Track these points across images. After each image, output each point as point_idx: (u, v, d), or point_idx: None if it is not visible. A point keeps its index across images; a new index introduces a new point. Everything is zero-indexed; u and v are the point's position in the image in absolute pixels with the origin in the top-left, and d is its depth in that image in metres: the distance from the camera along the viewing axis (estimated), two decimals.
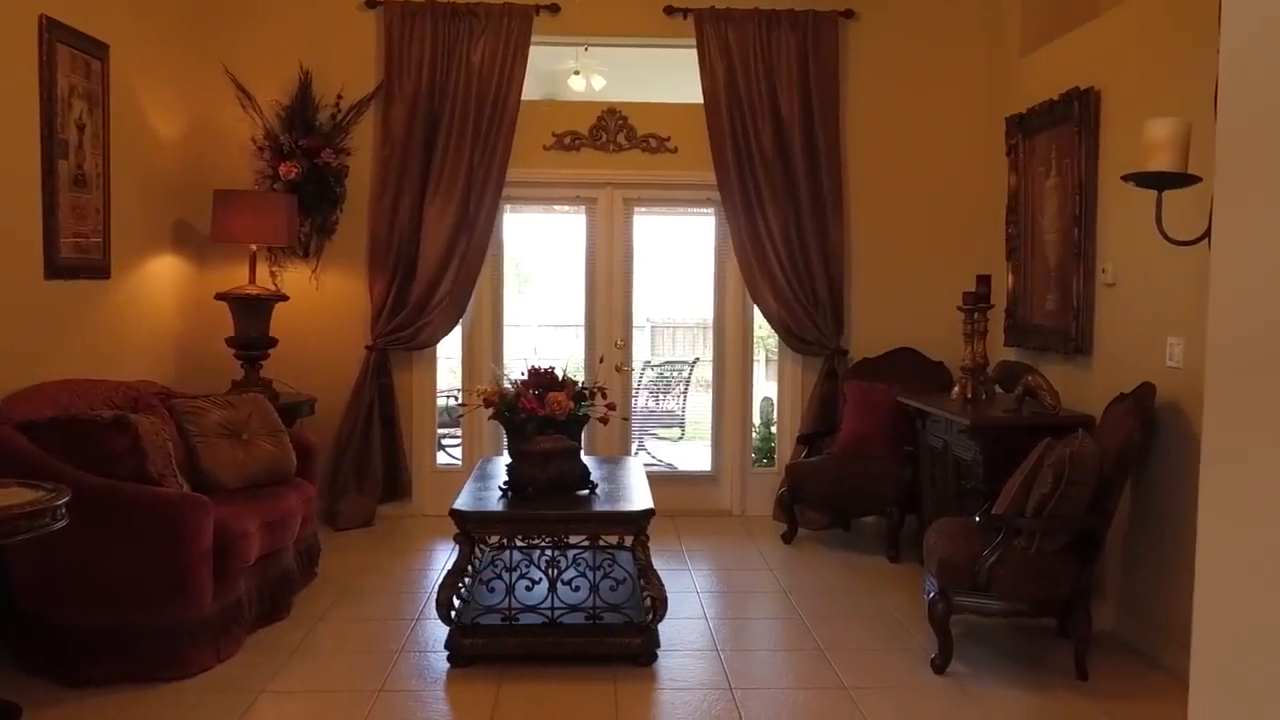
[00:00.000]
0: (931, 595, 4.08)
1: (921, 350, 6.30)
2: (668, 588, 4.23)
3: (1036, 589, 3.94)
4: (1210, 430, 1.96)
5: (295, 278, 6.27)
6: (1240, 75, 1.88)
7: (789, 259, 6.29)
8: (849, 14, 6.34)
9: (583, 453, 4.56)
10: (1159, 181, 2.58)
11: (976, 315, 5.30)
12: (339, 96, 6.22)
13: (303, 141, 6.07)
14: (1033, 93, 5.48)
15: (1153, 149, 2.53)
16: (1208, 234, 2.38)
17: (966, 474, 4.84)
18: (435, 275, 6.24)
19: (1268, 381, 1.80)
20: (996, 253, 5.95)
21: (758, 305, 6.45)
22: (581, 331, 6.80)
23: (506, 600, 4.10)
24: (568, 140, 6.48)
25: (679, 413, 9.17)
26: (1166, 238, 2.73)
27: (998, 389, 5.21)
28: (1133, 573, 4.42)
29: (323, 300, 6.33)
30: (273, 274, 6.22)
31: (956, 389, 5.36)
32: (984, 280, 5.39)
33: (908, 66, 6.43)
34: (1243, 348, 1.86)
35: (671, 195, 6.70)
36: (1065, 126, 5.06)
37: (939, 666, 4.01)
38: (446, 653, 4.06)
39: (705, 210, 6.69)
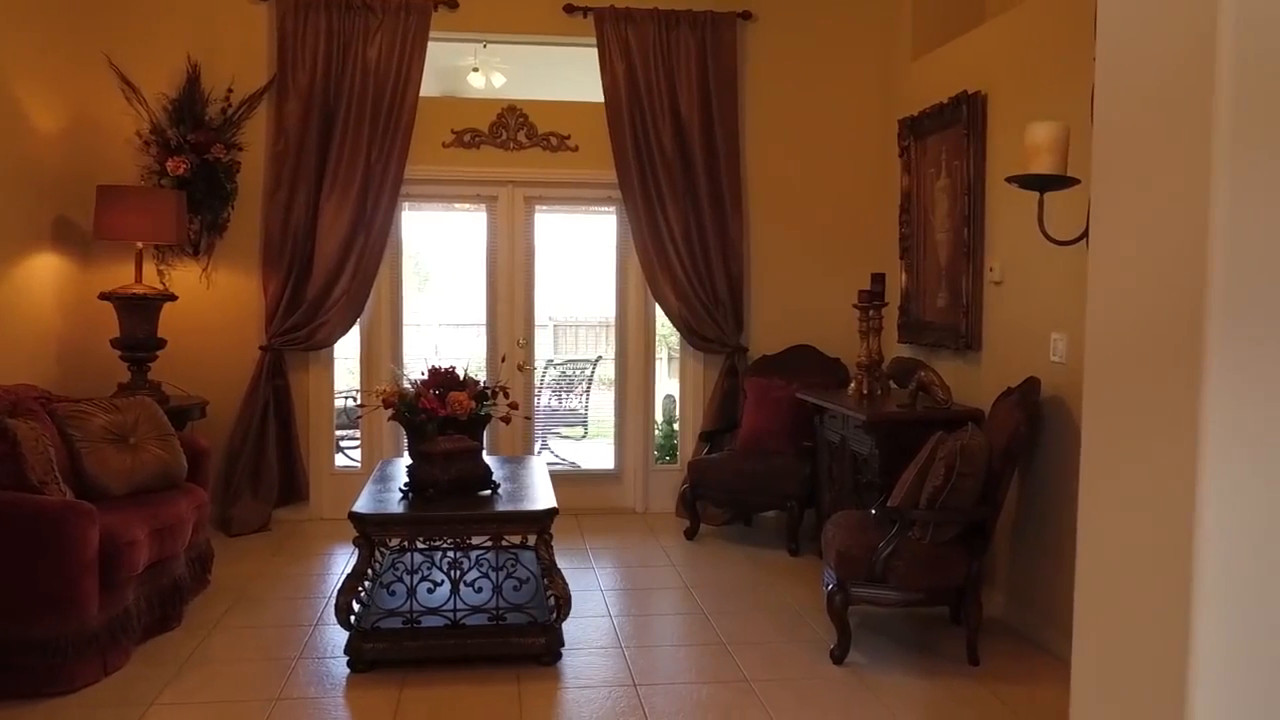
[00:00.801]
0: (830, 587, 4.17)
1: (819, 347, 6.42)
2: (572, 586, 4.24)
3: (930, 578, 4.06)
4: (1089, 421, 2.04)
5: (185, 276, 6.08)
6: (1113, 83, 1.97)
7: (690, 257, 6.35)
8: (747, 15, 6.42)
9: (485, 453, 4.53)
10: (1040, 183, 2.68)
11: (871, 313, 5.43)
12: (229, 90, 6.05)
13: (191, 136, 5.89)
14: (924, 96, 5.63)
15: (1034, 152, 2.63)
16: (1085, 234, 2.48)
17: (863, 468, 4.95)
18: (332, 274, 6.12)
19: (1139, 373, 1.89)
20: (890, 251, 6.10)
21: (659, 303, 6.50)
22: (483, 330, 6.75)
23: (408, 603, 4.05)
24: (467, 138, 6.42)
25: (582, 411, 9.18)
26: (1048, 237, 2.84)
27: (892, 384, 5.35)
28: (1020, 560, 4.58)
29: (214, 299, 6.16)
30: (160, 273, 6.02)
31: (853, 385, 5.48)
32: (878, 278, 5.52)
33: (804, 68, 6.54)
34: (1117, 342, 1.95)
35: (573, 194, 6.70)
36: (954, 129, 5.22)
37: (837, 657, 4.10)
38: (346, 658, 3.99)
39: (607, 209, 6.71)
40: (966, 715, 3.67)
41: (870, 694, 3.82)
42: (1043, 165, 2.63)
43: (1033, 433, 4.31)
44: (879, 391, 5.33)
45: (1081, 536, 2.07)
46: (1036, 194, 2.82)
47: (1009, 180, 2.86)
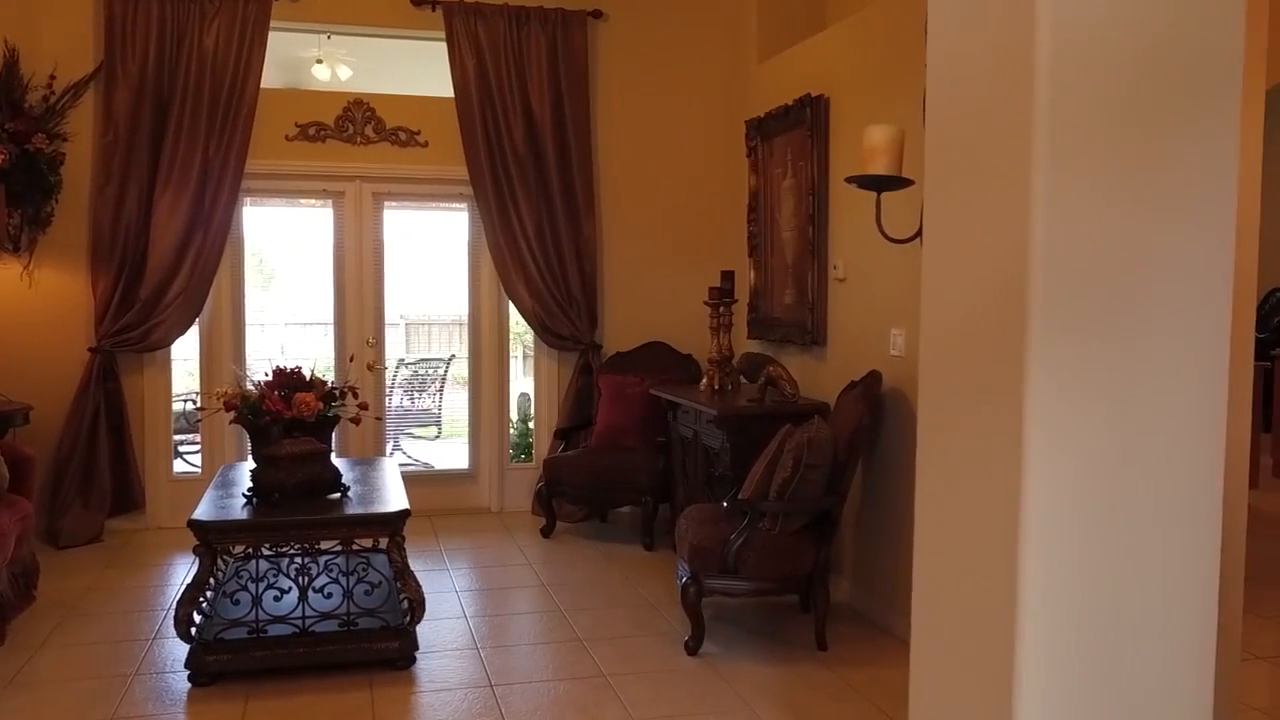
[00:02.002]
0: (684, 580, 4.23)
1: (672, 344, 6.51)
2: (426, 588, 4.18)
3: (780, 568, 4.17)
4: (923, 412, 2.14)
5: (4, 275, 5.71)
6: (942, 90, 2.07)
7: (543, 255, 6.33)
8: (597, 14, 6.44)
9: (334, 455, 4.42)
10: (877, 184, 2.79)
11: (722, 309, 5.53)
12: (52, 77, 5.71)
13: (10, 125, 5.53)
14: (770, 97, 5.77)
15: (872, 154, 2.73)
16: (920, 233, 2.59)
17: (715, 462, 5.04)
18: (168, 272, 5.85)
19: (968, 365, 1.99)
20: (739, 249, 6.23)
21: (513, 301, 6.46)
22: (331, 330, 6.57)
23: (253, 612, 3.91)
24: (312, 131, 6.24)
25: (435, 411, 9.04)
26: (885, 236, 2.96)
27: (742, 379, 5.46)
28: (865, 548, 4.75)
29: (37, 299, 5.80)
30: None
31: (705, 380, 5.57)
32: (728, 276, 5.63)
33: (654, 68, 6.61)
34: (948, 336, 2.05)
35: (423, 190, 6.58)
36: (799, 131, 5.37)
37: (692, 648, 4.17)
38: (187, 672, 3.83)
39: (458, 205, 6.63)
40: (815, 699, 3.78)
41: (724, 683, 3.90)
42: (880, 166, 2.74)
43: (875, 424, 4.48)
44: (730, 387, 5.44)
45: (918, 522, 2.16)
46: (875, 194, 2.93)
47: (848, 180, 2.96)
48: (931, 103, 2.07)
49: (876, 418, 4.49)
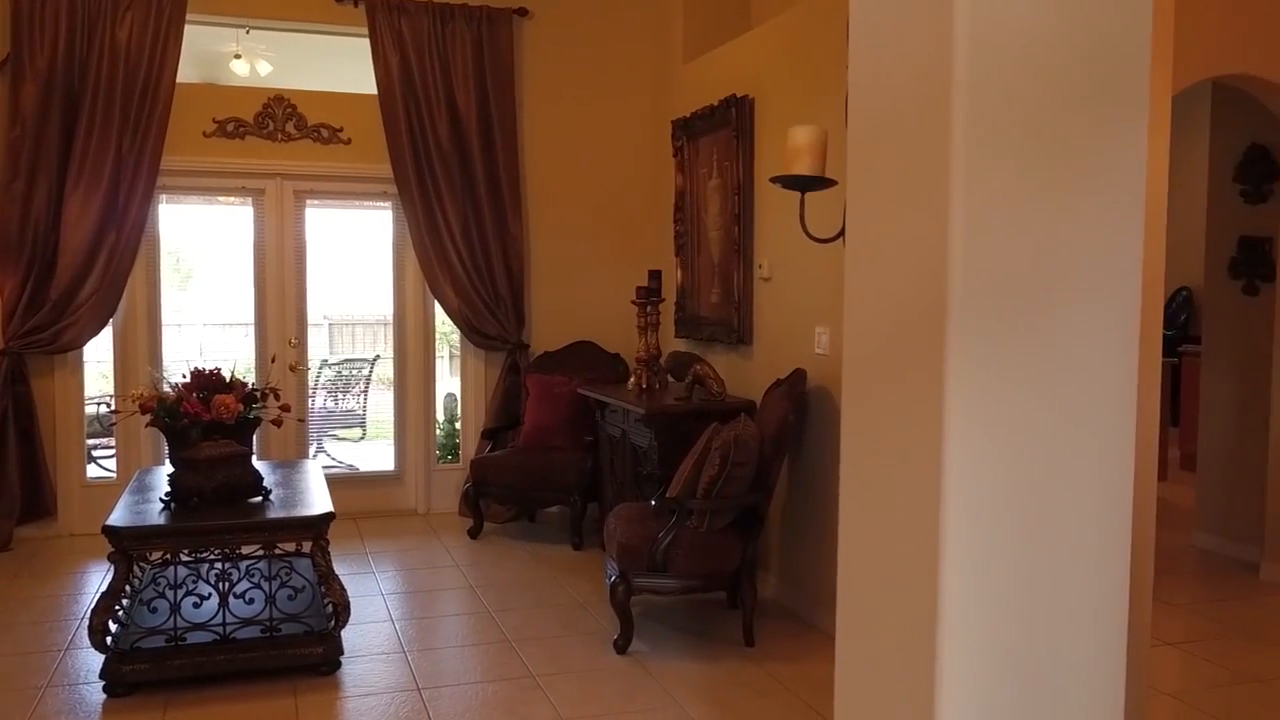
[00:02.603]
0: (613, 579, 4.23)
1: (600, 343, 6.51)
2: (351, 592, 4.12)
3: (708, 565, 4.19)
4: (847, 408, 2.17)
5: None
6: (863, 92, 2.10)
7: (469, 254, 6.28)
8: (523, 12, 6.41)
9: (255, 458, 4.33)
10: (801, 184, 2.82)
11: (649, 309, 5.54)
12: None
13: None
14: (696, 98, 5.80)
15: (795, 154, 2.77)
16: (843, 232, 2.63)
17: (643, 460, 5.05)
18: (80, 271, 5.68)
19: (890, 363, 2.02)
20: (666, 249, 6.25)
21: (438, 300, 6.40)
22: (251, 330, 6.44)
23: (171, 620, 3.82)
24: (231, 128, 6.10)
25: (360, 412, 8.91)
26: (809, 236, 2.99)
27: (670, 378, 5.49)
28: (791, 543, 4.81)
29: None
30: None
31: (632, 379, 5.58)
32: (655, 275, 5.65)
33: (581, 67, 6.60)
34: (871, 334, 2.08)
35: (346, 188, 6.48)
36: (724, 131, 5.41)
37: (621, 647, 4.17)
38: (103, 683, 3.72)
39: (382, 204, 6.54)
40: (743, 694, 3.82)
41: (653, 680, 3.91)
42: (803, 167, 2.77)
43: (800, 421, 4.54)
44: (657, 385, 5.46)
45: (842, 518, 2.19)
46: (799, 194, 2.97)
47: (772, 181, 2.99)
48: (853, 104, 2.10)
49: (801, 415, 4.54)
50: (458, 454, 6.91)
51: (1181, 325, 9.69)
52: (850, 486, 2.17)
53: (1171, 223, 3.27)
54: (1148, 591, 3.16)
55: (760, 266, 5.16)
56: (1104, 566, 1.98)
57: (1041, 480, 1.91)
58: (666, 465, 4.71)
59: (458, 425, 7.01)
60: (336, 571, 4.04)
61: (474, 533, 6.02)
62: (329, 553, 4.01)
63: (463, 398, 6.78)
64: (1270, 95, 5.10)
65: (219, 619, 3.86)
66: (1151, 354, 3.07)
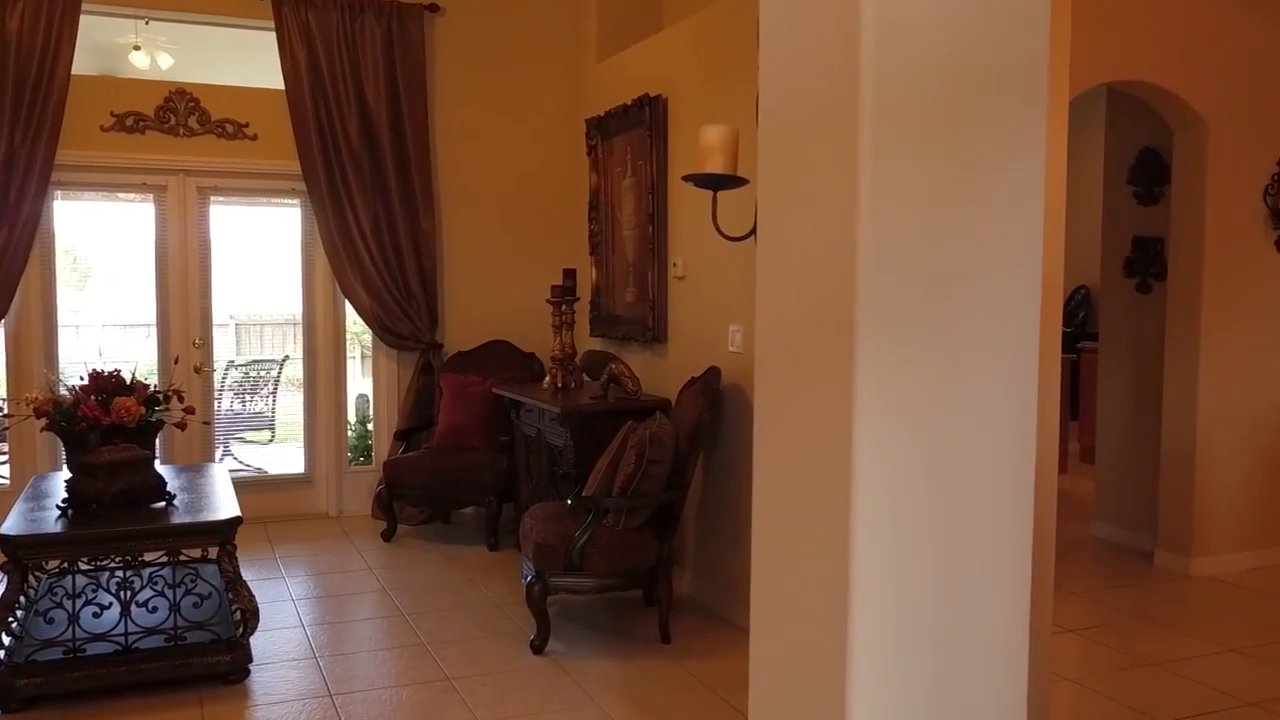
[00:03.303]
0: (529, 579, 4.22)
1: (515, 342, 6.47)
2: (260, 598, 4.03)
3: (624, 563, 4.20)
4: (759, 406, 2.19)
5: None
6: (773, 92, 2.12)
7: (380, 252, 6.19)
8: (434, 8, 6.34)
9: (158, 462, 4.21)
10: (713, 183, 2.85)
11: (564, 307, 5.53)
12: None
13: None
14: (609, 97, 5.80)
15: (708, 153, 2.79)
16: (754, 231, 2.66)
17: (559, 459, 5.04)
18: None
19: (801, 360, 2.05)
20: (581, 247, 6.24)
21: (349, 300, 6.29)
22: (154, 331, 6.25)
23: (70, 631, 3.68)
24: (130, 122, 5.91)
25: (268, 414, 8.70)
26: (721, 234, 3.02)
27: (585, 377, 5.48)
28: (706, 540, 4.84)
29: None
30: None
31: (548, 378, 5.56)
32: (570, 274, 5.64)
33: (494, 65, 6.55)
34: (781, 332, 2.11)
35: (252, 185, 6.33)
36: (638, 130, 5.42)
37: (537, 647, 4.16)
38: None
39: (290, 200, 6.41)
40: (660, 691, 3.83)
41: (570, 680, 3.91)
42: (715, 166, 2.79)
43: (715, 419, 4.57)
44: (573, 384, 5.45)
45: (755, 514, 2.22)
46: (711, 193, 2.99)
47: (685, 179, 3.01)
48: (763, 104, 2.12)
49: (716, 413, 4.58)
50: (370, 456, 6.81)
51: (1080, 322, 10.03)
52: (763, 482, 2.20)
53: (1070, 223, 3.38)
54: (1049, 580, 3.26)
55: (675, 265, 5.19)
56: (1007, 556, 2.04)
57: (947, 473, 1.95)
58: (582, 464, 4.71)
59: (370, 426, 6.90)
60: (244, 577, 3.95)
61: (387, 535, 5.94)
62: (236, 558, 3.92)
63: (375, 398, 6.68)
64: (1161, 100, 5.30)
65: (120, 629, 3.74)
66: (1051, 351, 3.17)
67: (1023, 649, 2.07)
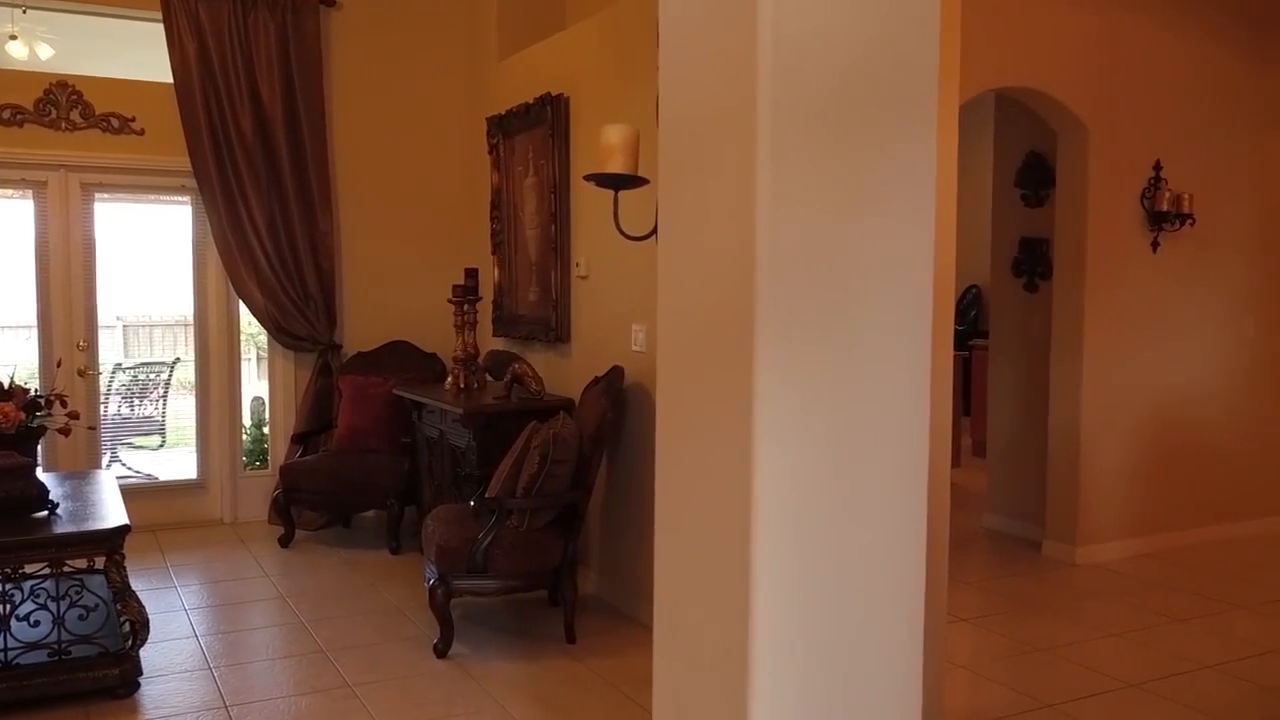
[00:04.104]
0: (431, 582, 4.17)
1: (415, 342, 6.38)
2: (151, 609, 3.91)
3: (529, 564, 4.18)
4: (661, 404, 2.21)
5: None
6: (673, 94, 2.14)
7: (276, 251, 6.04)
8: (330, 2, 6.21)
9: (40, 469, 4.03)
10: (614, 182, 2.85)
11: (466, 307, 5.48)
12: None
13: None
14: (511, 95, 5.77)
15: (609, 152, 2.79)
16: (655, 231, 2.67)
17: (462, 461, 5.00)
18: None
19: (701, 360, 2.07)
20: (483, 246, 6.20)
21: (243, 300, 6.13)
22: (34, 333, 5.99)
23: None
24: (6, 115, 5.66)
25: (158, 418, 8.42)
26: (623, 234, 3.03)
27: (488, 377, 5.44)
28: (610, 539, 4.85)
29: None
30: None
31: (450, 379, 5.51)
32: (471, 273, 5.59)
33: (393, 61, 6.45)
34: (682, 332, 2.12)
35: (140, 181, 6.11)
36: (540, 129, 5.40)
37: (441, 650, 4.11)
38: None
39: (181, 198, 6.21)
40: (565, 691, 3.83)
41: (474, 683, 3.88)
42: (616, 165, 2.80)
43: (618, 418, 4.59)
44: (475, 385, 5.40)
45: (658, 512, 2.23)
46: (612, 192, 3.00)
47: (586, 179, 3.01)
48: (663, 105, 2.14)
49: (620, 412, 4.59)
50: (266, 460, 6.64)
51: (972, 320, 10.33)
52: (665, 480, 2.22)
53: (961, 224, 3.48)
54: (943, 571, 3.36)
55: (578, 265, 5.18)
56: (903, 549, 2.09)
57: (844, 469, 2.00)
58: (485, 465, 4.67)
59: (266, 430, 6.74)
60: (134, 587, 3.82)
61: (285, 541, 5.80)
62: (124, 568, 3.78)
63: (271, 401, 6.52)
64: (1045, 106, 5.51)
65: None
66: (944, 348, 3.26)
67: (918, 638, 2.13)
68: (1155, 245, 5.72)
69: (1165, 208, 5.63)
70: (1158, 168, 5.66)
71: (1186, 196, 5.64)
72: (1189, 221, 5.68)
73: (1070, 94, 5.39)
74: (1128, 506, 5.76)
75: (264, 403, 6.91)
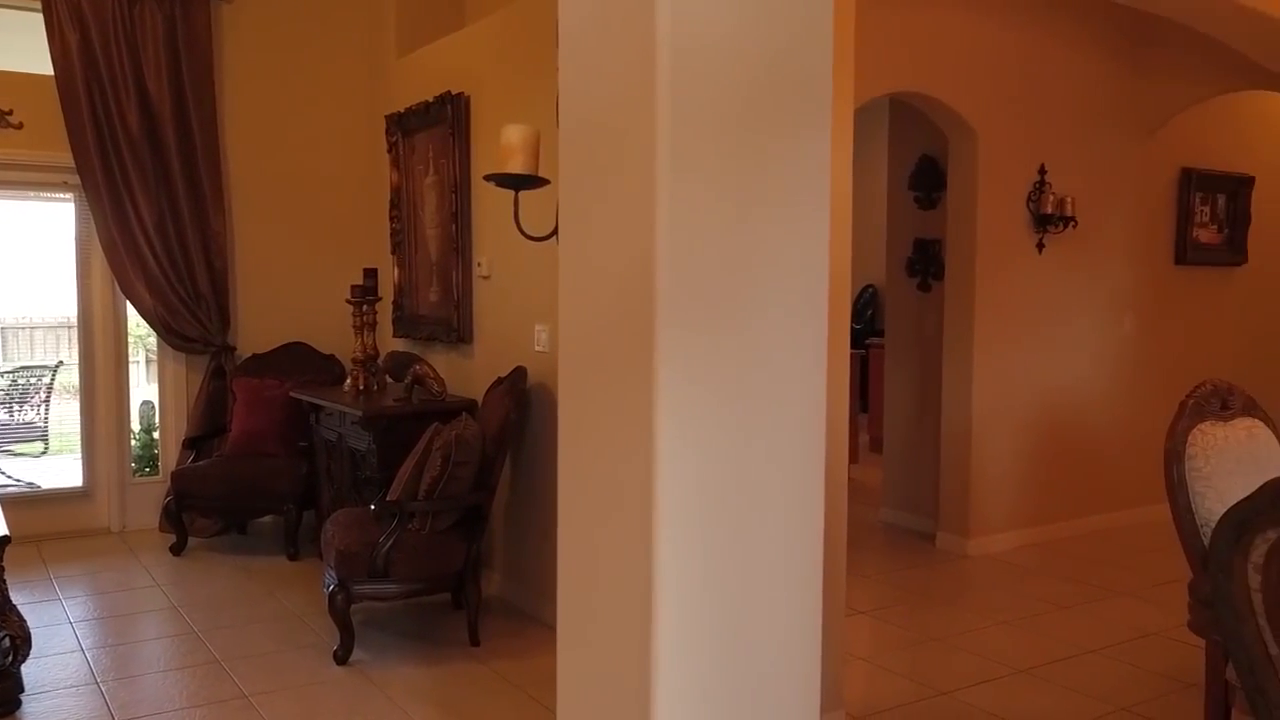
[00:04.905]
0: (331, 588, 4.09)
1: (313, 344, 6.25)
2: (33, 623, 3.77)
3: (431, 567, 4.14)
4: (563, 404, 2.22)
5: None
6: (573, 95, 2.15)
7: (165, 251, 5.85)
8: None
9: None
10: (515, 182, 2.85)
11: (365, 308, 5.39)
12: None
13: None
14: (410, 93, 5.70)
15: (509, 152, 2.79)
16: (556, 231, 2.68)
17: (362, 464, 4.92)
18: None
19: (603, 360, 2.09)
20: (382, 246, 6.10)
21: (131, 301, 5.92)
22: None
23: None
24: None
25: (40, 424, 8.10)
26: (524, 234, 3.03)
27: (389, 379, 5.37)
28: (514, 540, 4.83)
29: None
30: None
31: (349, 381, 5.41)
32: (370, 273, 5.50)
33: (289, 57, 6.30)
34: (584, 332, 2.13)
35: (19, 177, 5.85)
36: (440, 128, 5.35)
37: (341, 657, 4.04)
38: None
39: (63, 195, 5.96)
40: (469, 695, 3.80)
41: (376, 689, 3.82)
42: (517, 165, 2.80)
43: (521, 419, 4.57)
44: (375, 387, 5.32)
45: (561, 513, 2.24)
46: (513, 192, 2.99)
47: (486, 179, 3.00)
48: (563, 106, 2.14)
49: (523, 413, 4.57)
50: (157, 466, 6.43)
51: (869, 320, 10.58)
52: (567, 480, 2.22)
53: (857, 226, 3.56)
54: (841, 565, 3.43)
55: (479, 265, 5.15)
56: (801, 543, 2.14)
57: (744, 466, 2.03)
58: (386, 468, 4.61)
59: (156, 435, 6.52)
60: (14, 601, 3.67)
61: (177, 549, 5.63)
62: (4, 580, 3.63)
63: (161, 405, 6.31)
64: (937, 111, 5.67)
65: None
66: (841, 347, 3.33)
67: (817, 631, 2.17)
68: (1040, 246, 5.93)
69: (1049, 210, 5.85)
70: (1043, 172, 5.88)
71: (1069, 199, 5.87)
72: (1071, 224, 5.91)
73: (960, 100, 5.56)
74: (1016, 499, 5.97)
75: (154, 407, 6.69)
